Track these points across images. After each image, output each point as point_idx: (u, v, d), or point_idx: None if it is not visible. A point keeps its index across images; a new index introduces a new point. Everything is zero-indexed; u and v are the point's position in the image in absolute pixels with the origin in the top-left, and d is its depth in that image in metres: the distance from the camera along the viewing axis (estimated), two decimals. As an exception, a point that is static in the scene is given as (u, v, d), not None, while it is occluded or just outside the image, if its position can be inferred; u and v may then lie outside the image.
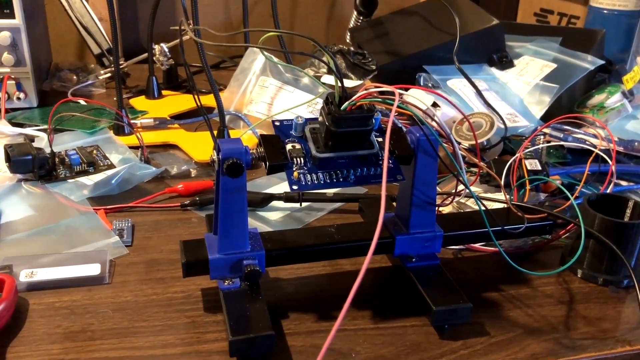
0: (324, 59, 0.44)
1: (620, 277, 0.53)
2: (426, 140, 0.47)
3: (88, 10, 0.96)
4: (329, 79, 0.81)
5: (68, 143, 0.71)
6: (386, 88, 0.43)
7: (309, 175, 0.46)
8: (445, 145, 0.47)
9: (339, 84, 0.44)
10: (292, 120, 0.47)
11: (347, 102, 0.44)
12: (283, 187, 0.66)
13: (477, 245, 0.56)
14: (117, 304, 0.48)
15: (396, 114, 0.47)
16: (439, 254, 0.52)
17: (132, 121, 0.77)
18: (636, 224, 0.51)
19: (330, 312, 0.48)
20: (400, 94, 0.42)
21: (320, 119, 0.46)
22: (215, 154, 0.44)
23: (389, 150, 0.47)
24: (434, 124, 0.47)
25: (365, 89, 0.43)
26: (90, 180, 0.64)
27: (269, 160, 0.45)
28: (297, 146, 0.46)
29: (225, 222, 0.45)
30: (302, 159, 0.46)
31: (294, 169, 0.46)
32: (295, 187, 0.45)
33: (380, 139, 0.48)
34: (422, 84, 0.80)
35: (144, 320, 0.47)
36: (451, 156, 0.47)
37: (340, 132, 0.44)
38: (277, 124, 0.48)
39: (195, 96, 0.67)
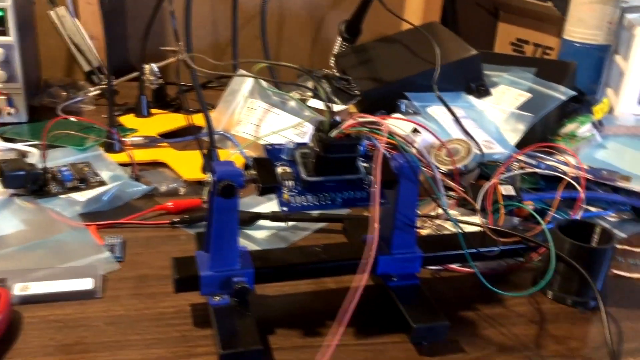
0: (309, 84, 0.47)
1: (588, 299, 0.56)
2: (408, 166, 0.50)
3: (79, 29, 0.98)
4: (315, 103, 0.84)
5: (59, 159, 0.73)
6: (372, 119, 0.46)
7: (298, 198, 0.48)
8: (426, 170, 0.50)
9: (329, 113, 0.47)
10: (283, 144, 0.50)
11: (336, 130, 0.47)
12: (269, 206, 0.68)
13: (454, 266, 0.59)
14: (109, 318, 0.50)
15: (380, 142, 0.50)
16: (418, 273, 0.55)
17: (122, 139, 0.79)
18: (603, 249, 0.55)
19: (315, 329, 0.50)
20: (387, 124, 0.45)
21: (310, 144, 0.49)
22: (210, 176, 0.47)
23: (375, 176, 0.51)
24: (414, 150, 0.50)
25: (353, 119, 0.46)
26: (82, 196, 0.66)
27: (261, 182, 0.47)
28: (288, 169, 0.49)
29: (217, 240, 0.48)
30: (292, 181, 0.48)
31: (284, 192, 0.48)
32: (285, 209, 0.48)
33: (365, 164, 0.51)
34: (403, 110, 0.83)
35: (136, 333, 0.48)
36: (431, 181, 0.50)
37: (329, 158, 0.47)
38: (269, 147, 0.50)
39: (187, 116, 0.70)
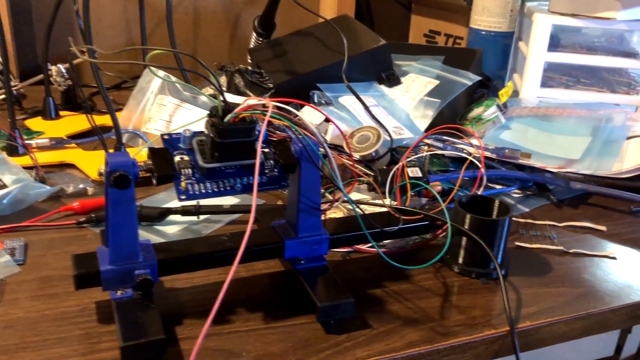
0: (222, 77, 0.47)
1: (490, 269, 0.58)
2: (308, 150, 0.50)
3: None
4: (227, 97, 0.83)
5: (-44, 165, 0.70)
6: (264, 101, 0.46)
7: (197, 185, 0.48)
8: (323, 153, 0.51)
9: (222, 98, 0.47)
10: (180, 133, 0.50)
11: (230, 115, 0.47)
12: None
13: (363, 247, 0.60)
14: (6, 322, 0.48)
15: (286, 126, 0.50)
16: (329, 256, 0.55)
17: (26, 142, 0.77)
18: (499, 220, 0.57)
19: (223, 317, 0.50)
20: (275, 106, 0.45)
21: (205, 131, 0.48)
22: (104, 167, 0.46)
23: (275, 160, 0.51)
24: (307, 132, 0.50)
25: (245, 102, 0.47)
26: (-21, 201, 0.63)
27: (157, 171, 0.47)
28: (185, 158, 0.49)
29: (115, 233, 0.47)
30: (190, 169, 0.48)
31: (182, 180, 0.48)
32: (183, 197, 0.47)
33: (267, 150, 0.51)
34: (315, 101, 0.84)
35: (35, 335, 0.47)
36: (327, 164, 0.50)
37: (224, 143, 0.47)
38: (166, 137, 0.50)
39: (88, 115, 0.68)
